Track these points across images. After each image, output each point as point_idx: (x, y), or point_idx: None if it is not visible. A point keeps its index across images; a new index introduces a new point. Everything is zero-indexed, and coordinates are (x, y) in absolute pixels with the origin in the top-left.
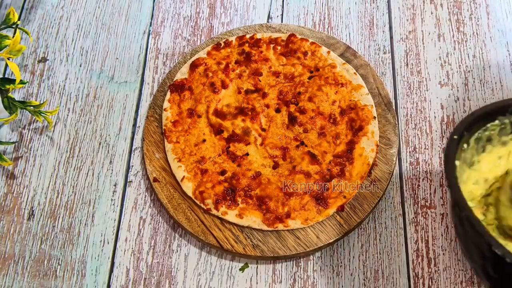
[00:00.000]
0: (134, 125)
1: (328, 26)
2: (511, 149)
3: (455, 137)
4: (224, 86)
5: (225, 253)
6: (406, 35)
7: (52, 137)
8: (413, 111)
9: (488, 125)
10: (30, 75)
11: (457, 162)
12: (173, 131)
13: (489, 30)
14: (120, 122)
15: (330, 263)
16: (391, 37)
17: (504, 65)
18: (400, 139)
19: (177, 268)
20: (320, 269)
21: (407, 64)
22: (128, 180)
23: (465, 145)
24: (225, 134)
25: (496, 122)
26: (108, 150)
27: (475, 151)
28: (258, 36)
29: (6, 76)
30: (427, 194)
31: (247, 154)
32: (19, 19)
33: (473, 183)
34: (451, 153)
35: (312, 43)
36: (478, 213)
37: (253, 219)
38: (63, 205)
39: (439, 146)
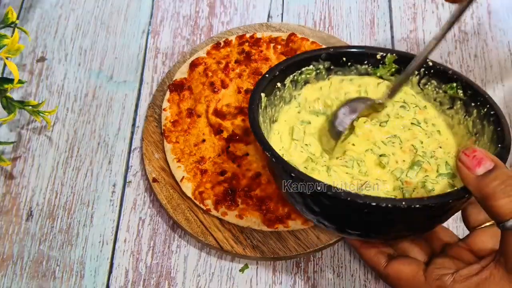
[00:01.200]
0: (133, 125)
1: (329, 25)
2: (329, 84)
3: (266, 75)
4: (224, 85)
5: (224, 254)
6: (407, 35)
7: (50, 137)
8: None
9: (303, 69)
10: (28, 75)
11: (262, 95)
12: (173, 131)
13: (490, 30)
14: (119, 122)
15: (331, 264)
16: (392, 37)
17: (505, 64)
18: None
19: (176, 269)
20: (321, 270)
21: None
22: (127, 181)
23: (279, 84)
24: (225, 134)
25: (311, 67)
26: (107, 150)
27: (292, 90)
28: (258, 35)
29: (4, 75)
30: None
31: (247, 154)
32: (17, 19)
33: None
34: (258, 90)
35: (313, 42)
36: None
37: (253, 220)
38: (62, 206)
39: None
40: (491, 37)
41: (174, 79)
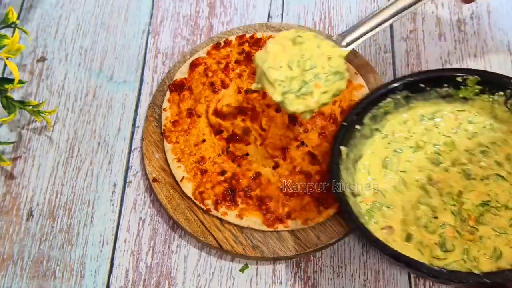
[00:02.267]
0: (134, 125)
1: (329, 25)
2: (414, 114)
3: (344, 124)
4: (224, 85)
5: (225, 254)
6: (407, 35)
7: (51, 137)
8: None
9: (380, 103)
10: (29, 75)
11: (342, 148)
12: (173, 131)
13: (490, 29)
14: (119, 122)
15: (331, 264)
16: (392, 37)
17: (505, 64)
18: None
19: (176, 269)
20: (321, 270)
21: (408, 64)
22: (128, 181)
23: (358, 126)
24: (225, 134)
25: (388, 100)
26: (107, 150)
27: (372, 125)
28: (258, 35)
29: (4, 75)
30: None
31: (247, 154)
32: (18, 19)
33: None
34: (336, 144)
35: None
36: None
37: (253, 220)
38: (62, 206)
39: None
40: (490, 37)
41: (174, 79)
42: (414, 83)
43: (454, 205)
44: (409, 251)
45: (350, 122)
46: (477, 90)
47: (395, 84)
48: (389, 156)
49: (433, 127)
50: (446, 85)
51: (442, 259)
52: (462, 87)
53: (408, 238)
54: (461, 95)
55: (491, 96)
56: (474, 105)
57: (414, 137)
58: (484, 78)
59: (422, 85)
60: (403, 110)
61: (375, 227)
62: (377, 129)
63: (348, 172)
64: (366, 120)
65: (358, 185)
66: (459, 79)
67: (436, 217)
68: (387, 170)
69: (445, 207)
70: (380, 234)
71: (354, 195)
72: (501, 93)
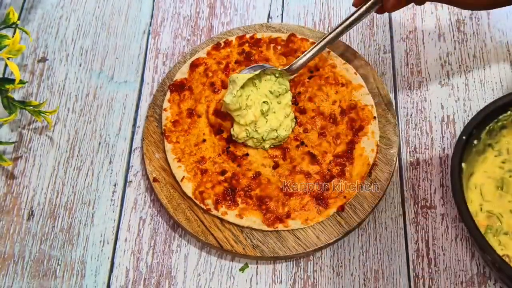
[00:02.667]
0: (134, 125)
1: (329, 26)
2: None
3: (463, 137)
4: (224, 86)
5: (225, 254)
6: (407, 35)
7: (51, 137)
8: (413, 111)
9: (500, 117)
10: (29, 75)
11: (463, 165)
12: (173, 131)
13: (489, 30)
14: (120, 122)
15: (330, 264)
16: (391, 37)
17: (504, 65)
18: (400, 139)
19: (177, 269)
20: (320, 269)
21: (407, 64)
22: (128, 180)
23: (475, 141)
24: (225, 134)
25: (508, 113)
26: (107, 150)
27: (487, 139)
28: (258, 36)
29: (5, 76)
30: (427, 194)
31: (247, 154)
32: (18, 19)
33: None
34: (457, 161)
35: (312, 42)
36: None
37: (253, 219)
38: (63, 205)
39: (439, 146)
40: (490, 38)
41: (174, 80)
42: None
43: None
44: None
45: (468, 135)
46: None
47: None
48: (505, 176)
49: None
50: None
51: None
52: None
53: None
54: None
55: None
56: None
57: None
58: None
59: None
60: None
61: None
62: (489, 145)
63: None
64: (483, 134)
65: (470, 205)
66: None
67: None
68: (502, 192)
69: None
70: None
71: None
72: None
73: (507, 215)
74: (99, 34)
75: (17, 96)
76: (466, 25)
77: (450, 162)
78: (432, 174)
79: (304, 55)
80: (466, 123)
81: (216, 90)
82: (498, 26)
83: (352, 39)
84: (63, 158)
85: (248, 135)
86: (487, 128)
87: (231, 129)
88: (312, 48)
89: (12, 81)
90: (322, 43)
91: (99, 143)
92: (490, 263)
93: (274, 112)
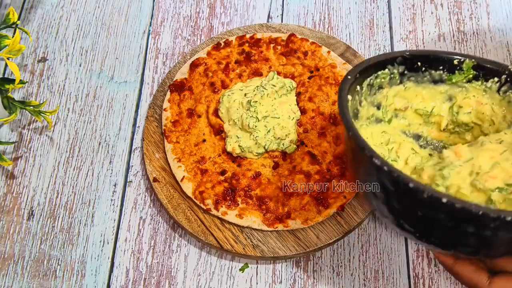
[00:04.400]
0: (134, 125)
1: (328, 26)
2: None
3: (349, 77)
4: (224, 86)
5: (225, 253)
6: (407, 35)
7: (51, 137)
8: None
9: (379, 72)
10: (29, 75)
11: (349, 97)
12: (173, 131)
13: (489, 30)
14: (120, 122)
15: (330, 263)
16: (391, 37)
17: None
18: None
19: (177, 268)
20: (320, 269)
21: None
22: (128, 180)
23: (358, 87)
24: (225, 134)
25: (386, 70)
26: (108, 150)
27: (367, 95)
28: (258, 36)
29: (5, 76)
30: None
31: None
32: (18, 19)
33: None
34: (344, 89)
35: (312, 43)
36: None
37: (253, 219)
38: (63, 205)
39: None
40: (490, 38)
41: (174, 80)
42: (413, 59)
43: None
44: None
45: (353, 77)
46: (470, 76)
47: (395, 55)
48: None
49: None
50: (441, 68)
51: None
52: (456, 71)
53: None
54: (454, 80)
55: (484, 83)
56: (467, 92)
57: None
58: (480, 62)
59: (419, 64)
60: (396, 89)
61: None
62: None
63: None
64: (365, 86)
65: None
66: (455, 61)
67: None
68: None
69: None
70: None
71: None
72: (496, 79)
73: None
74: (99, 34)
75: (17, 96)
76: (466, 25)
77: None
78: None
79: None
80: None
81: (216, 90)
82: (498, 26)
83: (352, 39)
84: (63, 158)
85: (242, 150)
86: (368, 80)
87: (226, 146)
88: None
89: (12, 81)
90: None
91: (99, 143)
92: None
93: (278, 117)
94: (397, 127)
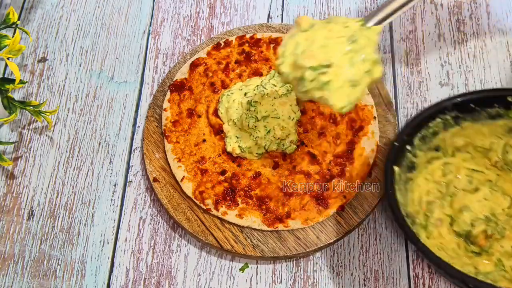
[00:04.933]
0: (134, 125)
1: None
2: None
3: (396, 143)
4: (224, 86)
5: (225, 253)
6: (406, 35)
7: (51, 137)
8: (413, 111)
9: (430, 124)
10: (29, 75)
11: (396, 168)
12: (173, 131)
13: (489, 30)
14: (120, 122)
15: (330, 263)
16: (391, 37)
17: (504, 65)
18: None
19: (177, 268)
20: (320, 269)
21: (407, 64)
22: (128, 180)
23: (408, 147)
24: (225, 135)
25: (437, 120)
26: (107, 150)
27: (422, 145)
28: (258, 36)
29: (5, 76)
30: None
31: None
32: (18, 19)
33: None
34: (390, 164)
35: None
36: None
37: (253, 219)
38: (63, 205)
39: None
40: (490, 38)
41: (174, 80)
42: (464, 103)
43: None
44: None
45: (400, 142)
46: None
47: (445, 104)
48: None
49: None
50: (497, 105)
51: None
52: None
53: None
54: (511, 115)
55: None
56: None
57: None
58: None
59: (472, 105)
60: (453, 131)
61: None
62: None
63: (401, 193)
64: (416, 141)
65: (411, 206)
66: (509, 98)
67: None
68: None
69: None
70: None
71: (407, 216)
72: None
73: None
74: (99, 34)
75: (17, 96)
76: (466, 25)
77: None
78: None
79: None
80: None
81: (216, 90)
82: (498, 26)
83: None
84: (63, 158)
85: (242, 151)
86: (419, 135)
87: (226, 146)
88: None
89: (12, 81)
90: None
91: (99, 143)
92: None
93: (278, 117)
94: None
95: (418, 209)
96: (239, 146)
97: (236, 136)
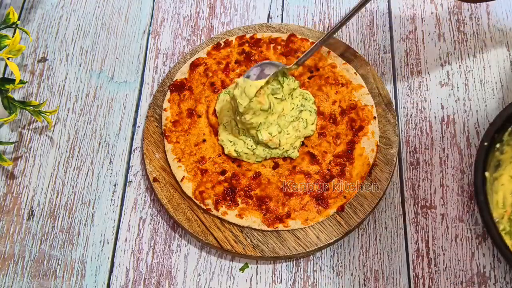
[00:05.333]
0: (134, 125)
1: (328, 26)
2: None
3: (485, 143)
4: (224, 86)
5: (225, 253)
6: (406, 35)
7: (51, 137)
8: (413, 111)
9: None
10: (29, 75)
11: (487, 174)
12: (173, 131)
13: (489, 30)
14: (120, 122)
15: (330, 263)
16: (391, 37)
17: (504, 65)
18: (400, 139)
19: (177, 268)
20: (320, 269)
21: (407, 64)
22: (128, 180)
23: (497, 145)
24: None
25: None
26: (107, 150)
27: (510, 141)
28: (258, 36)
29: (5, 76)
30: (427, 194)
31: None
32: (18, 19)
33: None
34: (479, 170)
35: (312, 43)
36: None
37: (253, 219)
38: (63, 205)
39: (439, 146)
40: (490, 38)
41: (174, 80)
42: None
43: None
44: None
45: (491, 140)
46: None
47: None
48: None
49: None
50: None
51: None
52: None
53: None
54: None
55: None
56: None
57: None
58: None
59: None
60: None
61: None
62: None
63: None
64: (506, 136)
65: (495, 209)
66: None
67: None
68: None
69: None
70: None
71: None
72: None
73: None
74: (99, 34)
75: (17, 96)
76: (466, 25)
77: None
78: (432, 174)
79: (310, 50)
80: (467, 123)
81: (216, 90)
82: (498, 26)
83: (352, 39)
84: (63, 158)
85: (238, 155)
86: (510, 129)
87: (224, 148)
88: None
89: (12, 81)
90: (328, 34)
91: (99, 143)
92: None
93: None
94: None
95: (502, 213)
96: (235, 150)
97: (229, 140)
